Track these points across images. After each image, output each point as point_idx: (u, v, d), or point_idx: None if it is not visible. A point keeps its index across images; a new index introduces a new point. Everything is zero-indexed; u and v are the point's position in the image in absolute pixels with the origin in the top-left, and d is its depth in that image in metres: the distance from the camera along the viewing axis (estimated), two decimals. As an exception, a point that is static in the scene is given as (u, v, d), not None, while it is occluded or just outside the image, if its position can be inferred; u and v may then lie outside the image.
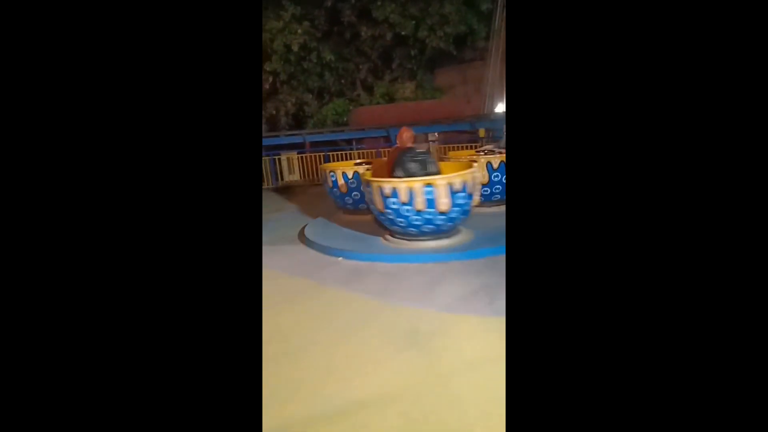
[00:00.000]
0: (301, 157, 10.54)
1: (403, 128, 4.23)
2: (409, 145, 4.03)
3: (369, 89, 15.38)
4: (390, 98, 14.77)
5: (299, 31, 13.47)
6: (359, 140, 12.45)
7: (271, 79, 13.46)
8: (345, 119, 14.50)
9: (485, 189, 5.22)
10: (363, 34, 14.03)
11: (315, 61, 14.27)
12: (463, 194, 3.85)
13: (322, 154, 10.40)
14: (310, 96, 14.86)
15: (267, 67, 13.32)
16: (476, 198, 4.08)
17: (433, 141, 9.75)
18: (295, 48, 13.58)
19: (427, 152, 4.13)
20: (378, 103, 14.70)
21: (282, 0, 13.15)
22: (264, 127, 13.21)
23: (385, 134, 12.02)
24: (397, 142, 4.21)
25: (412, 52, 14.39)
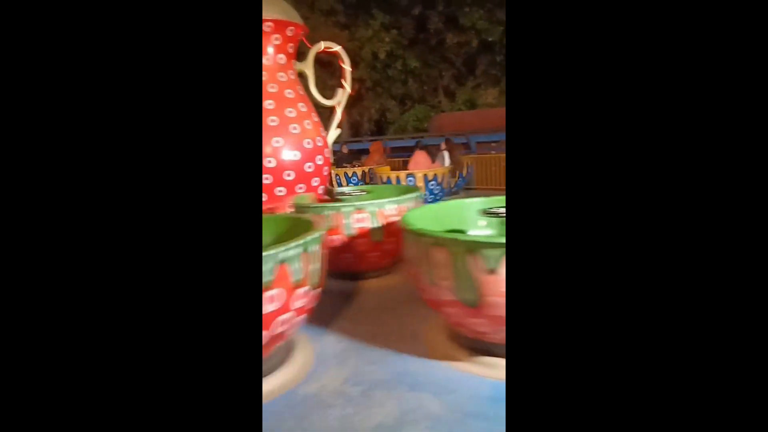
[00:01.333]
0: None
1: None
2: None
3: (451, 96, 15.36)
4: (472, 104, 14.61)
5: (386, 39, 13.90)
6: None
7: (356, 86, 14.01)
8: (425, 125, 14.63)
9: None
10: (448, 41, 14.07)
11: (400, 68, 14.61)
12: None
13: (401, 159, 10.63)
14: (393, 102, 15.23)
15: (354, 75, 13.91)
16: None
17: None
18: (382, 55, 14.02)
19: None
20: (459, 109, 14.62)
21: (372, 9, 13.68)
22: (348, 132, 13.78)
23: (465, 141, 11.90)
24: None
25: (498, 58, 14.11)
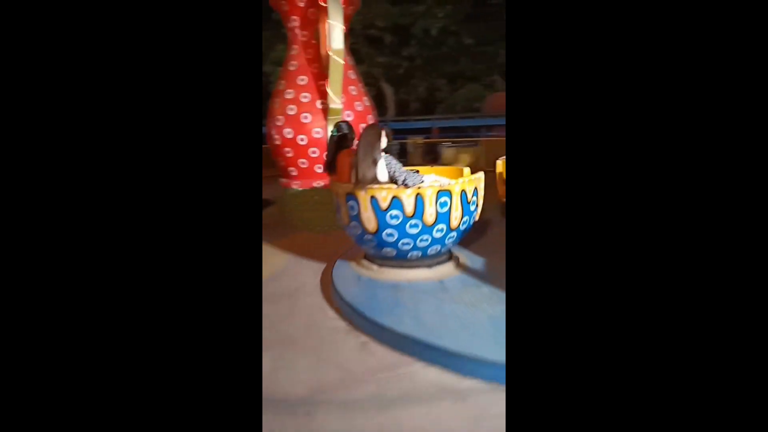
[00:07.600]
0: (426, 143, 10.63)
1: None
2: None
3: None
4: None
5: (440, 15, 13.38)
6: (489, 127, 12.02)
7: (405, 64, 13.70)
8: (477, 105, 14.10)
9: None
10: (506, 16, 13.36)
11: (453, 45, 14.07)
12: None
13: (448, 140, 10.35)
14: (444, 81, 14.77)
15: (404, 52, 13.58)
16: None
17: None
18: (434, 32, 13.55)
19: None
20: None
21: (426, -17, 13.17)
22: (395, 110, 13.56)
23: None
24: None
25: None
